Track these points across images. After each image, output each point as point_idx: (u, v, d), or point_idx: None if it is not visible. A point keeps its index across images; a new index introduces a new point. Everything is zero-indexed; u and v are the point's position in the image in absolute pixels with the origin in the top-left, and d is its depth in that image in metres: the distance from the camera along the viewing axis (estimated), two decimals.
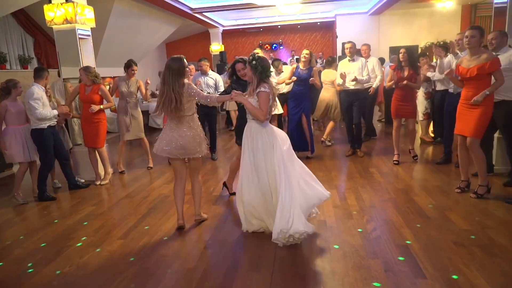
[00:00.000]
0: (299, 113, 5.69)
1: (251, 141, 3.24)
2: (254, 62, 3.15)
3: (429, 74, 5.70)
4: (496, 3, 4.87)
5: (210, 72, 6.17)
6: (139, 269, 2.88)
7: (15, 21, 7.98)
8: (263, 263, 2.84)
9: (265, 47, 15.68)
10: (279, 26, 15.13)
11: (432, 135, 6.65)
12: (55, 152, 4.73)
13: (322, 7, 12.31)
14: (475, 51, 3.69)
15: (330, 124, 6.66)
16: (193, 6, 10.58)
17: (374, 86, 6.17)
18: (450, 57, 5.15)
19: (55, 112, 4.64)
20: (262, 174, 3.18)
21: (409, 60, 5.07)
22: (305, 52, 5.60)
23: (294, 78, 5.61)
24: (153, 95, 6.09)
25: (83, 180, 5.28)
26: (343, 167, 5.42)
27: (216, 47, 14.20)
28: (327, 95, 6.53)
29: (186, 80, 3.28)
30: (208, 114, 5.82)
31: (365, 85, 5.80)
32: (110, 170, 5.42)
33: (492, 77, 3.68)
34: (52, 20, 5.10)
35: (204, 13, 11.56)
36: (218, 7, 10.76)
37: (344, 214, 3.69)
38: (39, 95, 4.51)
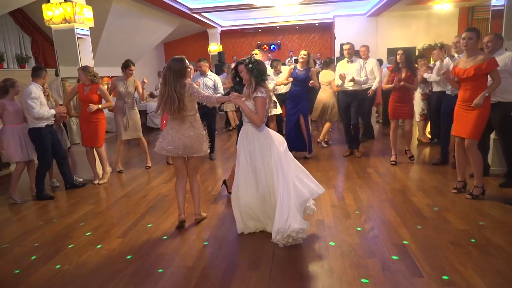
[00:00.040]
0: (297, 114, 5.71)
1: (247, 144, 3.25)
2: (250, 65, 3.16)
3: (425, 75, 5.75)
4: (493, 6, 4.92)
5: (209, 73, 6.16)
6: (138, 267, 2.89)
7: (13, 20, 7.96)
8: (261, 261, 2.87)
9: (263, 47, 15.71)
10: (277, 27, 15.14)
11: (429, 136, 6.69)
12: (53, 151, 4.72)
13: (321, 8, 12.35)
14: (472, 53, 3.74)
15: (326, 125, 6.69)
16: (191, 6, 10.58)
17: (373, 87, 6.20)
18: (447, 59, 5.20)
19: (53, 111, 4.64)
20: (261, 176, 3.19)
21: (407, 61, 5.11)
22: (303, 53, 5.63)
23: (291, 79, 5.65)
24: (152, 95, 6.07)
25: (81, 180, 5.27)
26: (341, 168, 5.45)
27: (214, 47, 14.20)
28: (324, 96, 6.56)
29: (187, 80, 3.30)
30: (207, 114, 5.82)
31: (363, 86, 5.83)
32: (108, 169, 5.42)
33: (489, 78, 3.72)
34: (50, 19, 5.09)
35: (202, 14, 11.56)
36: (216, 8, 10.76)
37: (342, 213, 3.72)
38: (37, 94, 4.50)
